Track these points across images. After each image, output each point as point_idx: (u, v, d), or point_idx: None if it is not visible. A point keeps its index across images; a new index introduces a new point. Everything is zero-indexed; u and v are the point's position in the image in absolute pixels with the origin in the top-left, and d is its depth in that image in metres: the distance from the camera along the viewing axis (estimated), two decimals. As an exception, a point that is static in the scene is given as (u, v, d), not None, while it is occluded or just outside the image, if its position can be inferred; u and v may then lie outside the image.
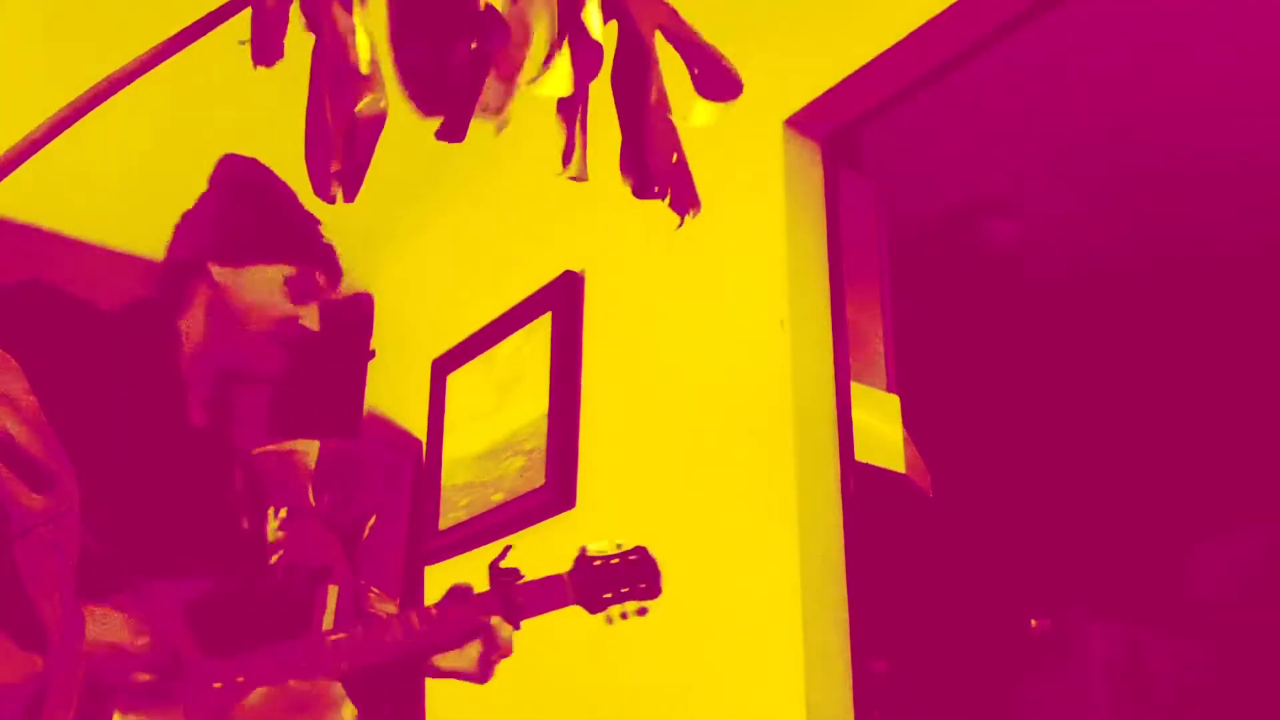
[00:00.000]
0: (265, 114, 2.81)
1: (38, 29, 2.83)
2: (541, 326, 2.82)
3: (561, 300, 2.78)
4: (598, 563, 1.68)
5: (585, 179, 0.68)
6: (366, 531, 3.01)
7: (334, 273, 1.70)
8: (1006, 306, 4.00)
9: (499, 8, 0.61)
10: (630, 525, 2.42)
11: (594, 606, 1.67)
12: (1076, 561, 5.37)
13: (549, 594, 1.65)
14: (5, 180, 0.57)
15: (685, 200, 0.70)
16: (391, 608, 2.92)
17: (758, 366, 2.21)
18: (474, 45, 0.62)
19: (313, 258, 1.66)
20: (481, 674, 1.59)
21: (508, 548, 1.66)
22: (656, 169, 0.68)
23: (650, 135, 0.67)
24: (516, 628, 1.60)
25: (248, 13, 0.63)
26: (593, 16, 0.63)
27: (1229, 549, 5.52)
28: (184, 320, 1.62)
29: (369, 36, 0.63)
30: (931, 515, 2.54)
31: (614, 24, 0.66)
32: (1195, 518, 5.47)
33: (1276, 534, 5.30)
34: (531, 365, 2.81)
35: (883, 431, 2.29)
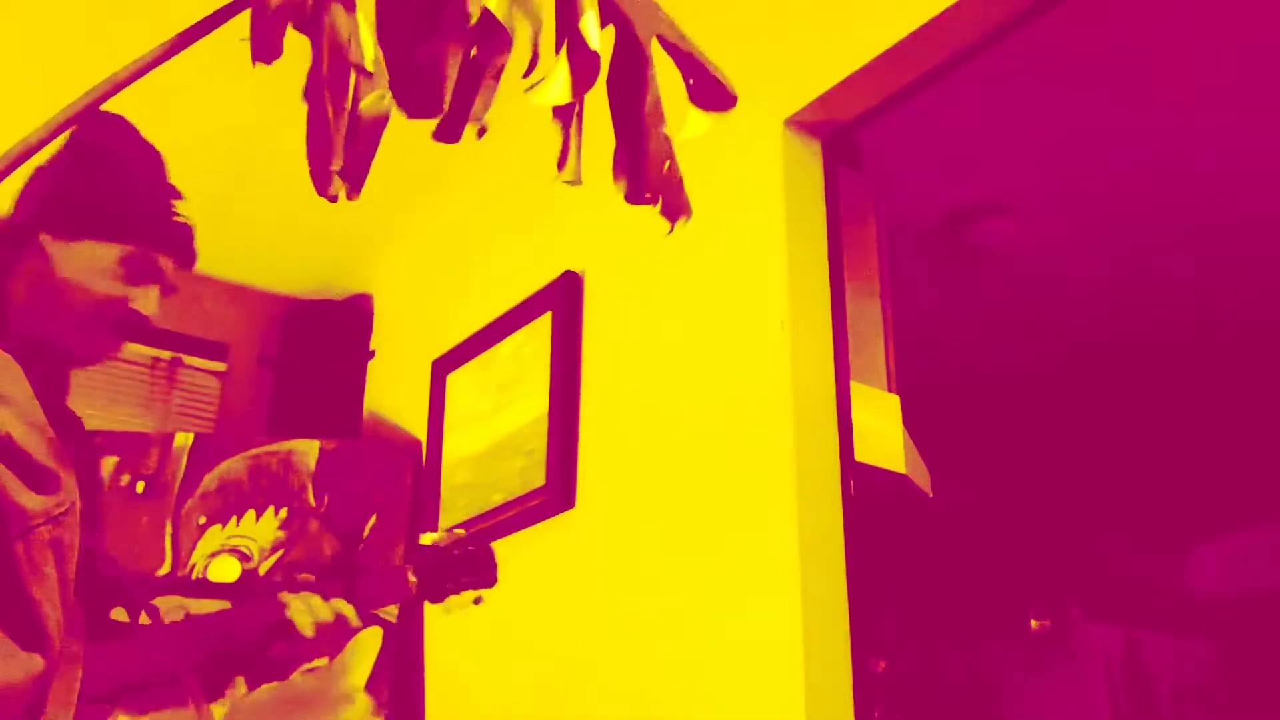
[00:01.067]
0: (265, 114, 2.82)
1: (38, 30, 2.83)
2: (541, 327, 2.82)
3: (561, 300, 2.78)
4: (429, 552, 1.69)
5: (580, 183, 0.68)
6: (366, 531, 3.01)
7: (183, 255, 1.59)
8: (1006, 306, 4.00)
9: (496, 13, 0.61)
10: (630, 525, 2.43)
11: (436, 597, 1.68)
12: (1076, 561, 5.37)
13: (391, 585, 1.66)
14: (5, 181, 0.57)
15: (676, 207, 0.70)
16: (392, 607, 2.92)
17: (758, 366, 2.21)
18: (473, 52, 0.62)
19: (157, 238, 1.55)
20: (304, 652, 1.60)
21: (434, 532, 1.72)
22: (649, 175, 0.68)
23: (644, 142, 0.67)
24: (363, 618, 1.61)
25: (248, 13, 0.63)
26: (590, 25, 0.63)
27: (1229, 549, 5.52)
28: (11, 287, 1.53)
29: (371, 35, 0.63)
30: (931, 515, 2.54)
31: (610, 30, 0.67)
32: (1195, 518, 5.47)
33: (1276, 534, 5.30)
34: (531, 365, 2.81)
35: (883, 431, 2.29)
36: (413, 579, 1.66)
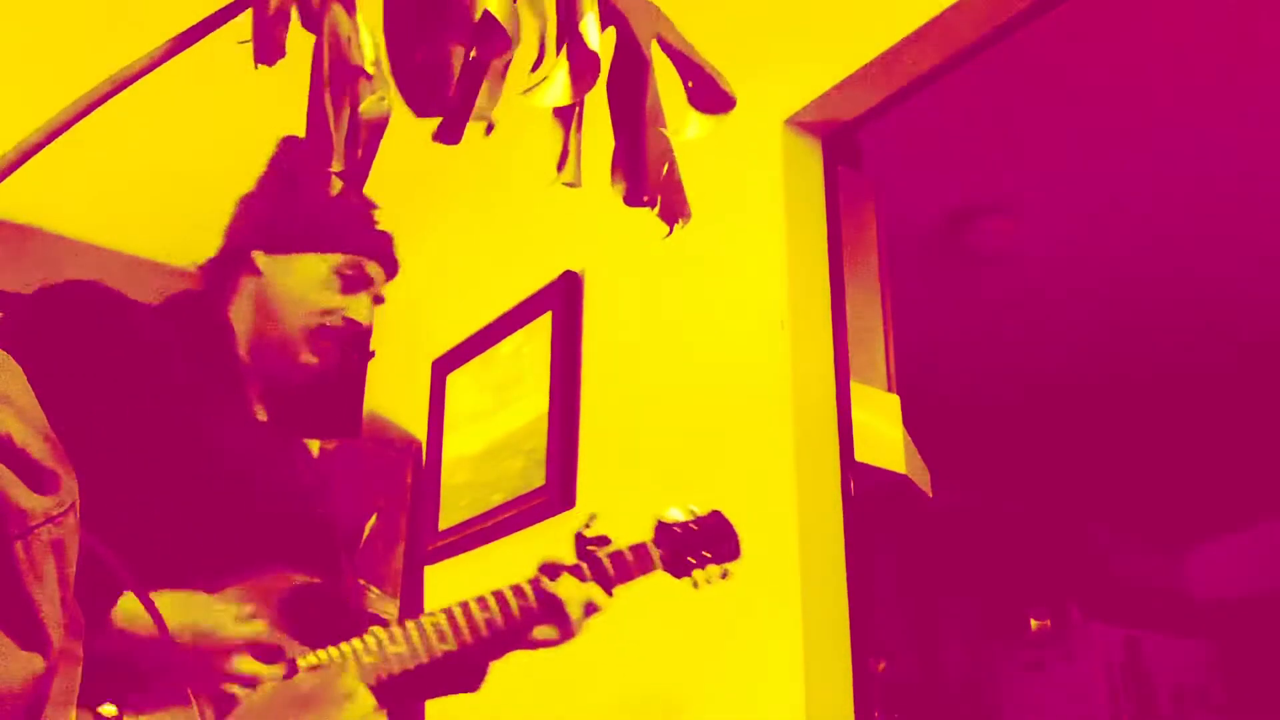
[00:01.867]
0: (266, 115, 2.82)
1: (38, 30, 2.83)
2: (541, 326, 2.82)
3: (561, 300, 2.78)
4: (678, 529, 1.68)
5: (579, 185, 0.68)
6: (367, 531, 3.01)
7: (388, 263, 1.61)
8: (1006, 306, 4.00)
9: (497, 15, 0.61)
10: (630, 525, 2.42)
11: (680, 571, 1.68)
12: (1076, 561, 5.37)
13: (637, 562, 1.65)
14: (6, 181, 0.57)
15: (675, 209, 0.70)
16: (393, 607, 2.92)
17: (758, 366, 2.21)
18: (473, 54, 0.62)
19: (365, 246, 1.57)
20: (568, 634, 1.58)
21: (593, 515, 1.68)
22: (648, 177, 0.68)
23: (644, 144, 0.67)
24: (610, 595, 1.61)
25: (250, 13, 0.63)
26: (590, 27, 0.63)
27: (1229, 549, 5.52)
28: (231, 311, 1.56)
29: (371, 35, 0.63)
30: (931, 515, 2.54)
31: (610, 31, 0.67)
32: (1195, 518, 5.47)
33: (1276, 534, 5.30)
34: (531, 365, 2.81)
35: (883, 431, 2.29)
36: (657, 553, 1.66)
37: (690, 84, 0.69)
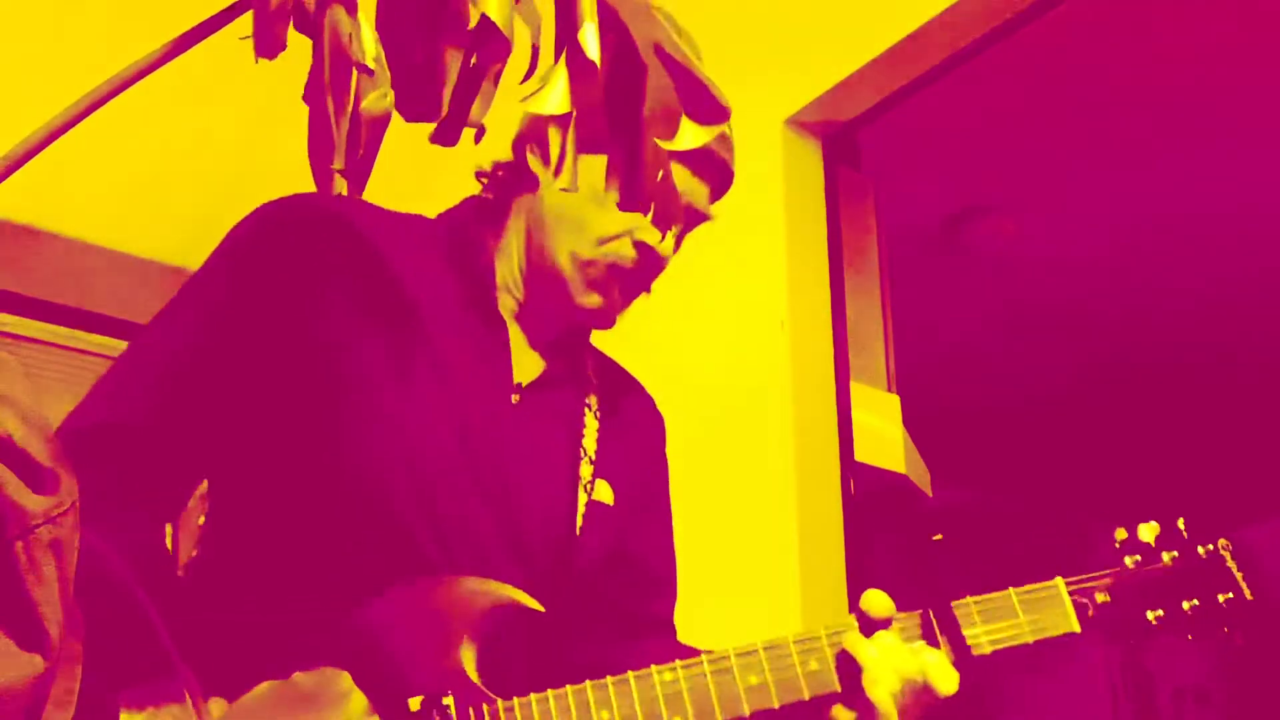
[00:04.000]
0: (267, 115, 2.82)
1: (39, 30, 2.83)
2: (541, 326, 2.81)
3: (561, 300, 2.77)
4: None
5: (576, 191, 0.69)
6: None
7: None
8: (1006, 306, 4.00)
9: (495, 20, 0.61)
10: (630, 525, 2.43)
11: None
12: (1076, 561, 5.37)
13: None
14: (6, 181, 0.57)
15: (670, 216, 0.70)
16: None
17: (758, 366, 2.21)
18: (474, 60, 0.63)
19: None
20: None
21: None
22: (644, 184, 0.68)
23: (640, 151, 0.67)
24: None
25: (249, 14, 0.63)
26: (589, 35, 0.63)
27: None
28: (498, 251, 1.28)
29: (373, 33, 0.63)
30: (931, 515, 2.54)
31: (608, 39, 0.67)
32: (1195, 517, 5.47)
33: (1276, 533, 5.29)
34: (531, 365, 2.81)
35: (883, 431, 2.29)
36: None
37: (686, 93, 0.69)
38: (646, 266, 1.27)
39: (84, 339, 3.35)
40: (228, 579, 1.16)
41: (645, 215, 1.03)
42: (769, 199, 2.29)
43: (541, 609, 1.06)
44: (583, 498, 1.22)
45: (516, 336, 1.25)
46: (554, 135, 0.66)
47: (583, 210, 1.22)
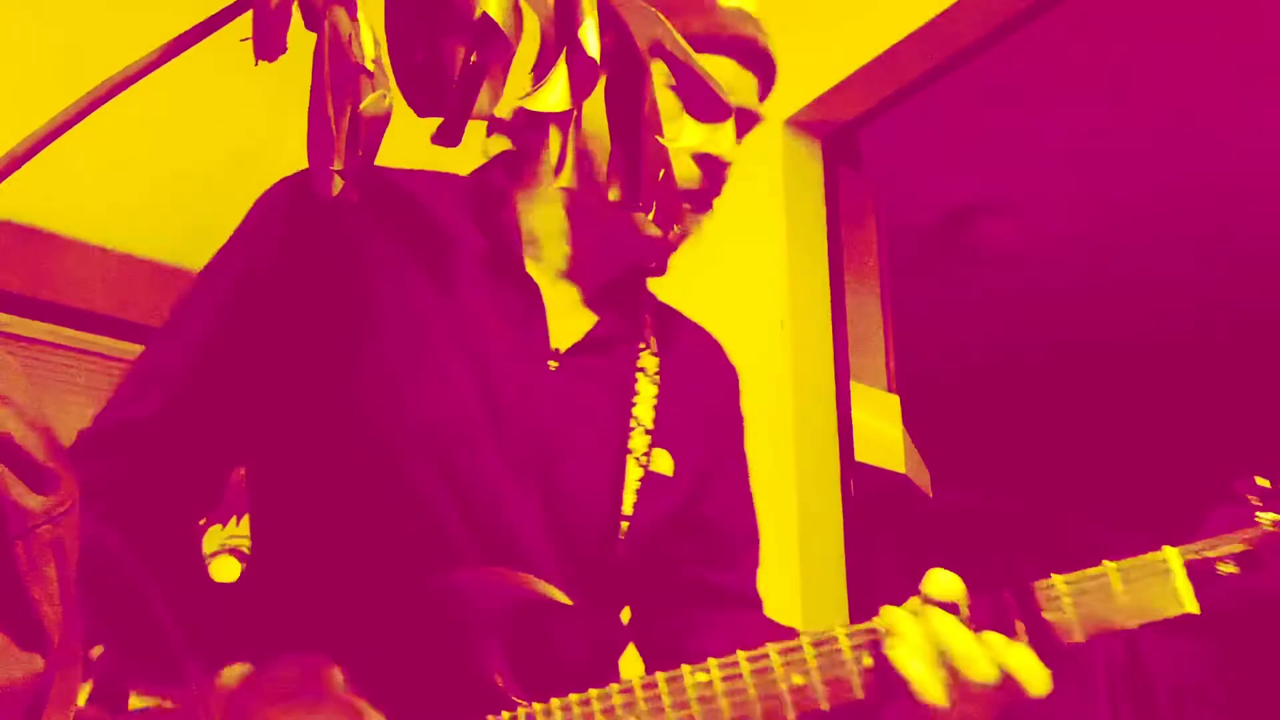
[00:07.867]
0: (267, 115, 2.82)
1: (39, 30, 2.83)
2: (541, 326, 2.81)
3: (561, 300, 2.77)
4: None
5: (576, 189, 0.69)
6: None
7: (765, 68, 1.15)
8: (1006, 306, 4.00)
9: (496, 18, 0.61)
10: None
11: None
12: (1076, 561, 5.37)
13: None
14: (6, 181, 0.57)
15: (670, 214, 0.70)
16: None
17: (758, 366, 2.21)
18: (473, 58, 0.63)
19: (728, 43, 1.11)
20: None
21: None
22: (644, 182, 0.68)
23: (640, 149, 0.67)
24: None
25: (249, 14, 0.63)
26: (589, 33, 0.63)
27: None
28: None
29: (372, 33, 0.63)
30: (931, 515, 2.54)
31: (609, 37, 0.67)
32: (1194, 517, 5.47)
33: (1276, 533, 5.29)
34: (531, 365, 2.80)
35: (883, 431, 2.29)
36: None
37: (686, 91, 0.69)
38: (711, 180, 1.15)
39: (85, 339, 3.35)
40: (263, 569, 1.14)
41: (702, 131, 0.96)
42: (769, 199, 2.29)
43: (569, 602, 0.98)
44: (635, 471, 1.10)
45: (554, 299, 1.13)
46: (554, 134, 0.66)
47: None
